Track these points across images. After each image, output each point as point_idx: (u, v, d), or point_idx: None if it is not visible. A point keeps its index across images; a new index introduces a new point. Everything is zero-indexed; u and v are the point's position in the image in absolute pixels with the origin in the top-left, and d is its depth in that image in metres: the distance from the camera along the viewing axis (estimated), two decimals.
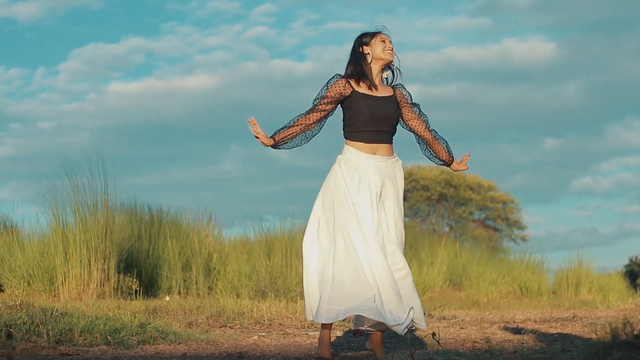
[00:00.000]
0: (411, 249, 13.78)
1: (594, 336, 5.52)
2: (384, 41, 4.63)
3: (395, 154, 4.65)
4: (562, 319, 7.60)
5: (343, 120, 4.62)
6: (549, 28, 32.96)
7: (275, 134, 4.52)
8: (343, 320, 6.56)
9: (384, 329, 4.54)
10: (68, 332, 4.87)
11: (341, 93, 4.54)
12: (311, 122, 4.53)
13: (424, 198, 27.97)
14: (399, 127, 4.71)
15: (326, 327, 4.48)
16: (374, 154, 4.54)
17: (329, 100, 4.53)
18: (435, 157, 4.88)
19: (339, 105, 4.61)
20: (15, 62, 30.28)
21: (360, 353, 4.95)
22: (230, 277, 10.70)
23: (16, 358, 4.30)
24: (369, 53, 4.61)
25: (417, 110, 4.78)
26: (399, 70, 4.75)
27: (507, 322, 7.36)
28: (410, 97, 4.75)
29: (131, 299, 8.37)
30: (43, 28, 29.44)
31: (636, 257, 29.28)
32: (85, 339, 4.87)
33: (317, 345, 4.69)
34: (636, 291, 16.65)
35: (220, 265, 11.12)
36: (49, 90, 30.91)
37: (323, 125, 4.61)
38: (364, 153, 4.51)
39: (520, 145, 33.96)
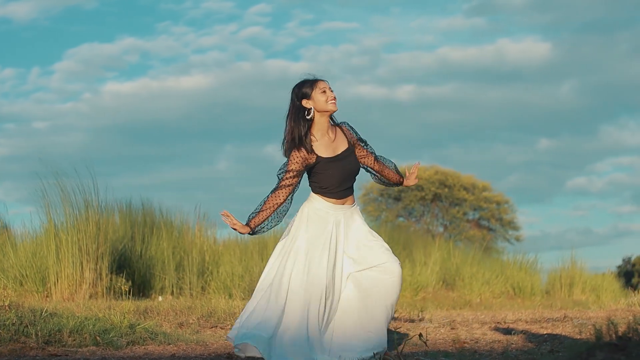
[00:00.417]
0: (405, 249, 13.81)
1: (582, 337, 5.54)
2: (324, 91, 4.44)
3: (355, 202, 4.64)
4: (553, 320, 7.62)
5: (311, 178, 4.50)
6: (544, 28, 33.03)
7: (249, 220, 4.39)
8: None
9: None
10: (57, 333, 4.88)
11: (306, 163, 4.41)
12: (281, 200, 4.39)
13: (418, 198, 27.99)
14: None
15: None
16: (343, 204, 4.52)
17: (295, 174, 4.39)
18: (388, 182, 4.85)
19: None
20: (9, 61, 30.26)
21: None
22: (223, 278, 10.71)
23: (4, 359, 4.31)
24: (311, 108, 4.43)
25: (364, 145, 4.66)
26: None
27: (498, 322, 7.38)
28: (357, 133, 4.63)
29: (128, 299, 8.37)
30: (38, 28, 29.42)
31: (630, 257, 29.36)
32: (74, 340, 4.87)
33: None
34: (632, 291, 16.68)
35: (214, 266, 11.12)
36: (44, 90, 30.90)
37: (292, 198, 4.49)
38: (333, 205, 4.49)
39: (515, 146, 34.02)
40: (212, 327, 6.44)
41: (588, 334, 5.30)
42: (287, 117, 4.47)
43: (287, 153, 4.41)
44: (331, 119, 4.52)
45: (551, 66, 32.05)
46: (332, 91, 4.47)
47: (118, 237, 10.70)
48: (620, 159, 34.96)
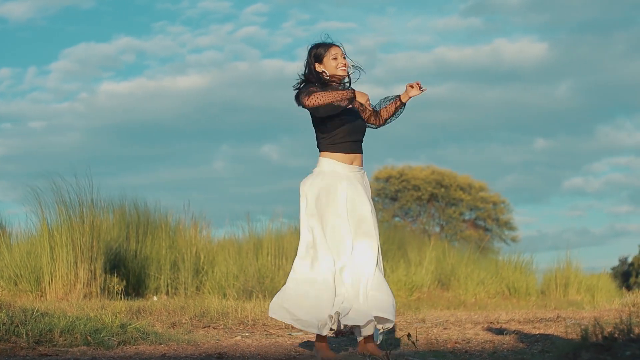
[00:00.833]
0: (400, 249, 13.81)
1: (572, 337, 5.55)
2: (335, 58, 4.59)
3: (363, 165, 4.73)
4: (546, 320, 7.62)
5: (320, 132, 4.60)
6: (540, 28, 33.08)
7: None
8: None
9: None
10: (48, 333, 4.87)
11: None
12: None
13: (415, 198, 28.00)
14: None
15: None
16: (352, 164, 4.61)
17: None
18: (387, 118, 4.84)
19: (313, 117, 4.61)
20: (6, 61, 30.27)
21: (340, 354, 4.96)
22: (218, 278, 10.71)
23: None
24: (323, 71, 4.60)
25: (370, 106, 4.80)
26: (360, 68, 4.70)
27: (491, 322, 7.39)
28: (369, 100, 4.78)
29: (120, 299, 8.38)
30: (34, 27, 29.43)
31: (626, 258, 29.37)
32: (65, 340, 4.87)
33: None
34: (626, 291, 16.71)
35: (209, 266, 11.13)
36: (40, 90, 30.92)
37: None
38: (341, 163, 4.58)
39: (511, 146, 34.07)
40: (204, 327, 6.45)
41: (575, 334, 5.31)
42: (302, 75, 4.63)
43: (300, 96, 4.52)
44: (343, 84, 4.63)
45: (548, 66, 32.11)
46: (344, 58, 4.60)
47: (113, 236, 10.71)
48: (617, 159, 35.04)
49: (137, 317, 6.41)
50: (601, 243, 31.66)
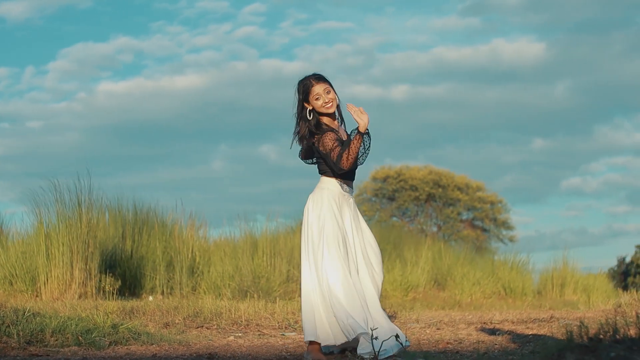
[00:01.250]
0: (395, 248, 13.82)
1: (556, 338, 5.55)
2: (318, 98, 4.68)
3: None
4: (540, 320, 7.63)
5: (325, 163, 4.75)
6: (538, 28, 33.09)
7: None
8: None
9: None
10: (39, 333, 4.88)
11: (337, 139, 4.70)
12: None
13: (412, 198, 28.01)
14: None
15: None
16: (349, 187, 4.86)
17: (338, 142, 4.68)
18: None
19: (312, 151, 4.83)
20: (3, 61, 30.26)
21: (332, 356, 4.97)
22: (214, 278, 10.72)
23: None
24: (312, 109, 4.72)
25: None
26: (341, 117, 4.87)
27: (484, 323, 7.39)
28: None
29: (113, 299, 8.39)
30: (32, 27, 29.42)
31: (624, 257, 29.38)
32: (56, 340, 4.88)
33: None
34: (622, 291, 16.74)
35: (204, 266, 11.13)
36: (38, 90, 30.92)
37: None
38: (341, 190, 4.80)
39: (509, 145, 34.08)
40: (197, 327, 6.45)
41: (559, 334, 5.32)
42: (295, 114, 4.76)
43: (303, 141, 4.73)
44: (339, 114, 4.81)
45: (546, 66, 32.13)
46: (328, 93, 4.68)
47: (108, 236, 10.72)
48: (614, 159, 35.06)
49: (130, 317, 6.42)
50: (599, 243, 31.69)
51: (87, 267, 9.29)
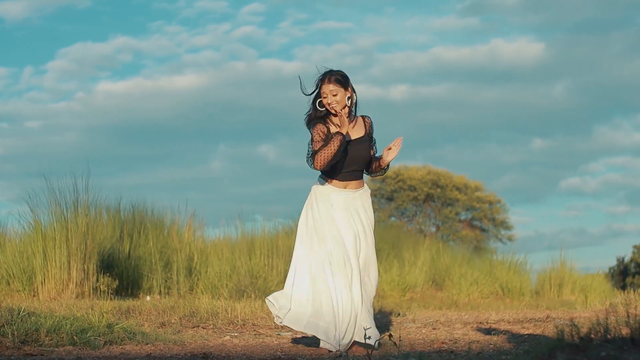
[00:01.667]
0: (393, 248, 13.82)
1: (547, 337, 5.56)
2: (325, 97, 4.85)
3: (365, 185, 5.01)
4: (536, 320, 7.64)
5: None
6: (537, 28, 33.10)
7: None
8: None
9: None
10: (34, 333, 4.88)
11: (325, 134, 4.80)
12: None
13: (411, 198, 28.01)
14: None
15: None
16: (345, 188, 4.89)
17: (324, 137, 4.78)
18: (372, 172, 5.11)
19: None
20: (2, 61, 30.26)
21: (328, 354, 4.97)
22: (211, 278, 10.72)
23: None
24: (320, 101, 4.91)
25: (373, 143, 5.06)
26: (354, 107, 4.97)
27: (481, 322, 7.40)
28: (373, 131, 5.03)
29: (110, 299, 8.39)
30: (30, 27, 29.43)
31: (623, 258, 29.38)
32: (51, 339, 4.88)
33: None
34: (619, 291, 16.71)
35: (202, 266, 11.13)
36: (37, 90, 30.92)
37: None
38: (336, 188, 4.86)
39: (509, 145, 34.08)
40: (193, 327, 6.46)
41: (550, 334, 5.33)
42: (311, 104, 4.93)
43: (309, 125, 4.87)
44: (350, 111, 4.91)
45: (545, 66, 32.13)
46: (334, 95, 4.83)
47: (106, 236, 10.71)
48: (614, 159, 35.06)
49: (126, 317, 6.42)
50: (598, 243, 31.69)
51: (85, 267, 9.29)
